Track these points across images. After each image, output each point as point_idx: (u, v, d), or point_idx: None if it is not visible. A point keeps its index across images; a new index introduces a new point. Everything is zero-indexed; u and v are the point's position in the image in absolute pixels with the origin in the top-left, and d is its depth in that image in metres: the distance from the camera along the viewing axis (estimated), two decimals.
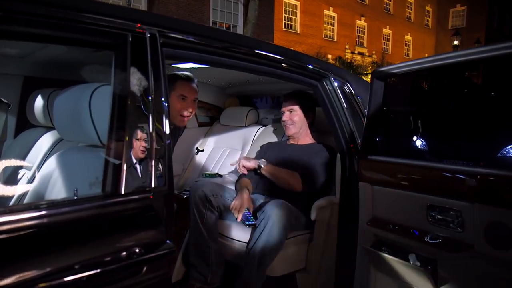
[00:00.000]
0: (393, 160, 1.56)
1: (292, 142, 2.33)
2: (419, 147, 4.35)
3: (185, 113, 1.94)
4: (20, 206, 1.07)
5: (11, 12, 0.80)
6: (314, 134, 2.34)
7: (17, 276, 0.70)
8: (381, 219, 1.57)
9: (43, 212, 0.79)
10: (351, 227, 1.69)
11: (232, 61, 1.30)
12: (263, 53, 1.46)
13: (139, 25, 1.01)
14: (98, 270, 0.79)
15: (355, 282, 1.67)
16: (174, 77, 1.96)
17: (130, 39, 0.99)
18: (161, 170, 1.00)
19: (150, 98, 1.01)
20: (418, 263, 1.35)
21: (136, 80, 0.98)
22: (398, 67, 1.55)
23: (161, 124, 1.02)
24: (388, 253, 1.45)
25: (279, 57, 1.54)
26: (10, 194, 1.60)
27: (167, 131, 1.04)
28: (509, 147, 4.29)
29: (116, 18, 0.97)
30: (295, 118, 2.26)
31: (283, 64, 1.57)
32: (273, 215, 1.74)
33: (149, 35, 1.03)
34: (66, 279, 0.74)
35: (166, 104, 1.06)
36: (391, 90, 1.67)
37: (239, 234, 1.92)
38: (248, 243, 1.82)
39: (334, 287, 1.87)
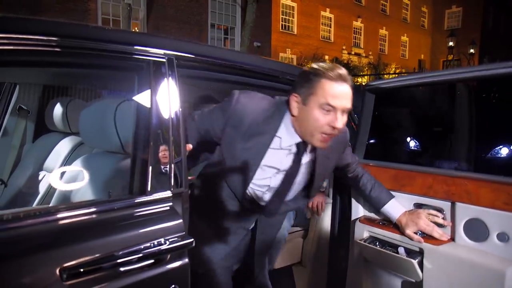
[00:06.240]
0: (382, 163, 1.71)
1: None
2: (411, 149, 4.58)
3: (329, 131, 1.24)
4: (77, 203, 1.21)
5: (56, 47, 0.97)
6: None
7: (78, 258, 0.88)
8: (372, 216, 1.73)
9: (89, 210, 0.96)
10: (343, 224, 1.84)
11: (236, 77, 1.44)
12: (264, 68, 1.57)
13: (159, 51, 1.16)
14: (128, 258, 0.93)
15: (348, 274, 1.80)
16: (315, 73, 1.25)
17: (152, 63, 1.14)
18: (178, 173, 1.16)
19: (168, 112, 1.16)
20: (406, 255, 1.51)
21: (156, 97, 1.13)
22: (388, 82, 1.72)
23: (178, 133, 1.17)
24: (379, 247, 1.59)
25: (279, 71, 1.64)
26: (35, 194, 1.76)
27: (183, 140, 1.19)
28: (497, 148, 4.54)
29: (141, 46, 1.12)
30: None
31: (281, 78, 1.66)
32: None
33: (167, 59, 1.18)
34: (109, 263, 0.91)
35: (180, 113, 1.18)
36: (383, 100, 1.83)
37: None
38: None
39: (328, 279, 1.99)
